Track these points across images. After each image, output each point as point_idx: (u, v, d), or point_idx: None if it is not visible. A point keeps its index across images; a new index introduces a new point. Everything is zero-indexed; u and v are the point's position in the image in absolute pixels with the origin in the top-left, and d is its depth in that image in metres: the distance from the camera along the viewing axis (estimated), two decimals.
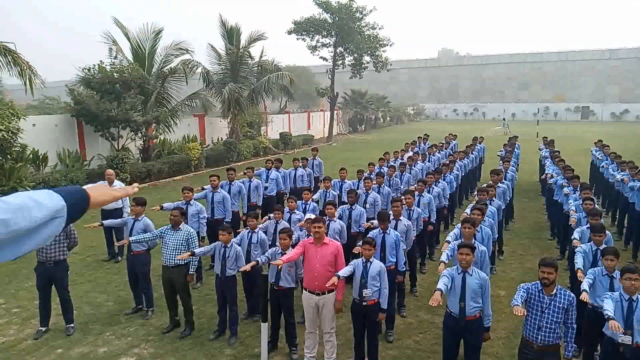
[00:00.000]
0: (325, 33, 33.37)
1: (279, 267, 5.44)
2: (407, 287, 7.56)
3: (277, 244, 6.08)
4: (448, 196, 10.27)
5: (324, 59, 34.98)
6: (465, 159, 13.76)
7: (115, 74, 16.74)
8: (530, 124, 40.95)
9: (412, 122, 59.95)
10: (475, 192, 9.84)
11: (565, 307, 4.26)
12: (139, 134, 17.41)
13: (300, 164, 11.95)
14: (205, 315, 6.96)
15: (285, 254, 5.58)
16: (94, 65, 16.82)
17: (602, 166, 12.55)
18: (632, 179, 9.57)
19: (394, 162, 12.50)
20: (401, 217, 6.96)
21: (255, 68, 24.54)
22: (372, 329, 5.40)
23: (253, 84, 23.74)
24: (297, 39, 34.09)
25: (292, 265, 5.70)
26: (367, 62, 35.07)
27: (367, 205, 8.81)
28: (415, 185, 9.08)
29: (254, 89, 23.43)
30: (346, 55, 34.59)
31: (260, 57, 24.75)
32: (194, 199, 8.14)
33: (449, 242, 5.88)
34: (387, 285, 5.38)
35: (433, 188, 9.44)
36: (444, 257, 5.58)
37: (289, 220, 7.57)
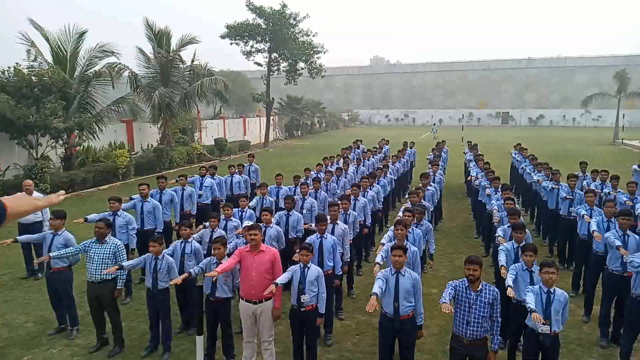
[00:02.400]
0: (260, 38, 33.25)
1: (214, 278, 5.28)
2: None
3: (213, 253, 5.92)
4: (382, 199, 10.56)
5: (259, 64, 34.83)
6: (397, 163, 14.24)
7: (33, 78, 15.56)
8: (456, 129, 43.28)
9: (347, 128, 61.18)
10: (407, 195, 10.19)
11: (491, 302, 4.51)
12: (60, 142, 16.26)
13: (236, 171, 11.75)
14: (136, 331, 6.61)
15: (221, 263, 5.44)
16: (9, 67, 15.54)
17: (522, 168, 13.52)
18: (547, 180, 10.38)
19: (331, 167, 12.66)
20: (338, 222, 7.05)
21: (187, 72, 23.86)
22: (311, 335, 5.40)
23: (185, 89, 23.07)
24: (231, 43, 33.68)
25: (228, 275, 5.57)
26: (302, 69, 35.37)
27: (304, 211, 8.83)
28: (351, 190, 9.24)
29: (186, 94, 22.78)
30: (281, 61, 34.67)
31: (192, 61, 24.15)
32: (122, 210, 7.73)
33: (383, 244, 6.03)
34: (325, 289, 5.41)
35: (368, 192, 9.66)
36: (378, 259, 5.72)
37: (225, 228, 7.40)
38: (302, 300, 5.22)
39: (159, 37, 22.32)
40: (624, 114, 39.10)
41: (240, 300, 5.41)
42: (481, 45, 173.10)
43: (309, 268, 5.30)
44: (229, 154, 27.70)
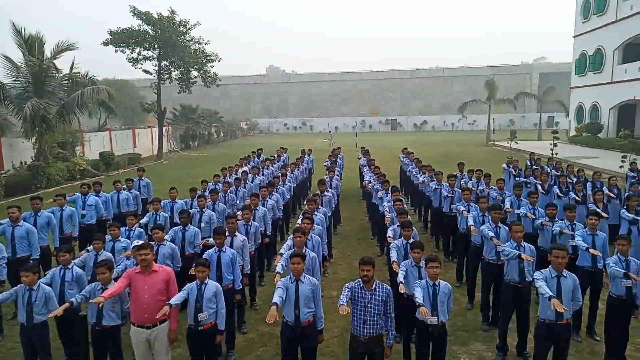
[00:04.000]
0: (148, 45, 31.62)
1: (100, 305, 4.85)
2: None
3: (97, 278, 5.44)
4: (282, 207, 10.61)
5: (148, 72, 33.08)
6: (296, 170, 14.44)
7: None
8: (350, 136, 45.18)
9: (246, 137, 60.64)
10: (305, 202, 10.36)
11: (384, 299, 4.75)
12: None
13: (124, 186, 10.98)
14: None
15: (107, 288, 5.02)
16: None
17: (409, 170, 14.52)
18: (431, 180, 11.25)
19: (230, 178, 12.43)
20: (236, 233, 6.92)
21: (66, 81, 21.84)
22: (211, 354, 5.21)
23: (63, 99, 21.08)
24: (116, 50, 31.58)
25: (116, 300, 5.14)
26: (196, 77, 34.35)
27: (203, 224, 8.54)
28: (250, 200, 9.15)
29: (64, 105, 20.82)
30: (172, 69, 33.33)
31: (71, 69, 22.16)
32: None
33: (281, 254, 6.06)
34: (225, 305, 5.26)
35: (267, 201, 9.64)
36: (279, 268, 5.72)
37: (112, 250, 6.86)
38: (199, 319, 5.02)
39: (30, 44, 20.12)
40: (494, 119, 44.05)
41: (132, 326, 5.04)
42: (371, 55, 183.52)
43: (206, 284, 5.11)
44: (116, 168, 25.81)
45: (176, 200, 9.73)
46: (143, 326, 4.96)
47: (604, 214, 8.40)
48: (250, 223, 7.78)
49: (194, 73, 33.93)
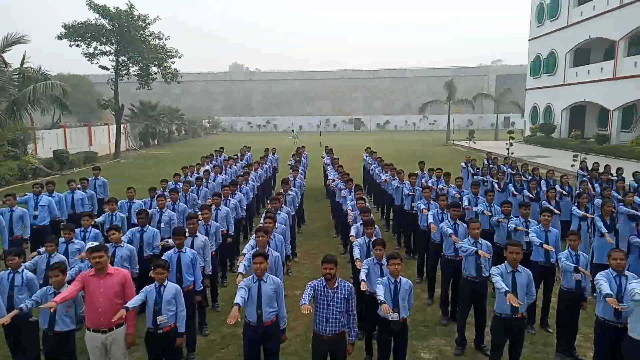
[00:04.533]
0: (105, 40, 30.51)
1: (52, 309, 4.64)
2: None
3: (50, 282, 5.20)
4: (245, 207, 10.50)
5: (105, 67, 31.94)
6: (259, 169, 14.33)
7: None
8: (315, 135, 45.29)
9: (208, 135, 59.63)
10: (268, 201, 10.30)
11: (346, 297, 4.78)
12: None
13: (79, 186, 10.56)
14: None
15: (60, 292, 4.81)
16: None
17: (372, 169, 14.69)
18: (393, 179, 11.43)
19: (191, 177, 12.19)
20: (197, 234, 6.78)
21: (16, 76, 20.77)
22: (171, 357, 5.09)
23: (14, 95, 20.03)
24: (71, 45, 30.33)
25: (70, 304, 4.92)
26: (155, 73, 33.46)
27: (162, 225, 8.33)
28: (212, 199, 9.00)
29: (14, 101, 19.81)
30: (130, 64, 32.30)
31: (22, 63, 21.10)
32: None
33: (244, 254, 5.99)
34: (185, 307, 5.15)
35: (230, 200, 9.51)
36: (241, 269, 5.66)
37: (66, 252, 6.58)
38: (158, 322, 4.89)
39: None
40: (453, 119, 45.24)
41: (87, 331, 4.85)
42: (336, 55, 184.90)
43: (165, 286, 4.99)
44: (71, 167, 24.79)
45: (134, 200, 9.45)
46: (98, 331, 4.78)
47: (556, 211, 8.81)
48: (210, 223, 7.65)
49: (154, 69, 33.04)
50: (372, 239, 6.22)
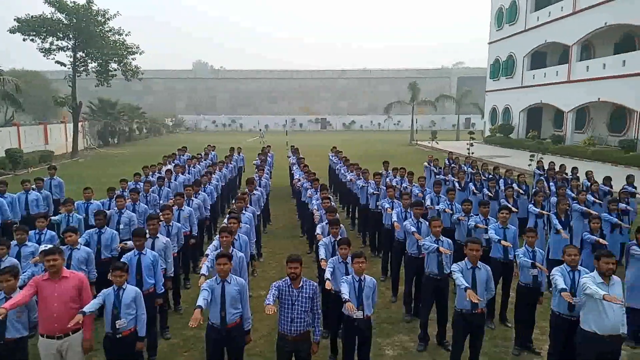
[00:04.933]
0: (62, 35, 29.29)
1: (1, 316, 4.40)
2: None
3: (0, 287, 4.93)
4: (209, 207, 10.33)
5: (62, 63, 30.66)
6: (224, 168, 14.13)
7: None
8: (281, 134, 45.09)
9: (171, 134, 58.36)
10: (233, 201, 10.18)
11: (311, 296, 4.78)
12: None
13: (33, 186, 10.09)
14: None
15: (11, 298, 4.57)
16: None
17: (338, 168, 14.77)
18: (358, 178, 11.51)
19: (152, 177, 11.89)
20: (158, 235, 6.61)
21: None
22: None
23: None
24: (25, 39, 28.94)
25: (22, 309, 4.69)
26: (115, 70, 32.41)
27: (121, 226, 8.08)
28: (174, 199, 8.80)
29: None
30: (89, 60, 31.16)
31: None
32: None
33: (207, 255, 5.89)
34: (145, 310, 5.00)
35: (193, 200, 9.33)
36: (204, 270, 5.57)
37: (18, 256, 6.27)
38: (117, 326, 4.73)
39: None
40: (417, 119, 46.15)
41: (40, 337, 4.63)
42: (302, 55, 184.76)
43: (124, 290, 4.83)
44: (25, 166, 23.68)
45: (92, 201, 9.12)
46: (53, 337, 4.58)
47: (514, 209, 9.10)
48: (171, 224, 7.48)
49: (113, 65, 31.98)
50: (337, 239, 6.23)
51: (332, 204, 8.33)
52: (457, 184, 11.60)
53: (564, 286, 4.97)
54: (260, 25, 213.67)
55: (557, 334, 5.35)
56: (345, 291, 4.91)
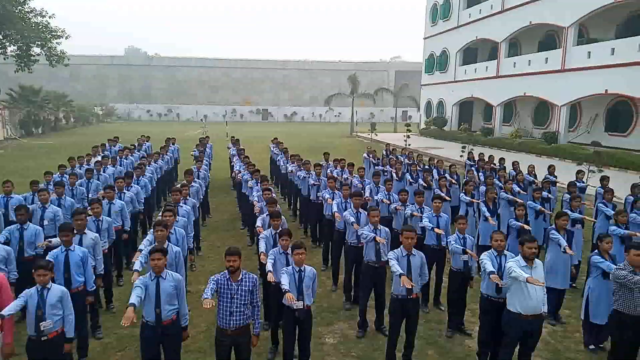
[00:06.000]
0: None
1: None
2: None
3: None
4: (143, 200, 9.91)
5: None
6: (159, 160, 13.60)
7: None
8: (221, 125, 44.09)
9: (102, 124, 55.26)
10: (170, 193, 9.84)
11: (251, 289, 4.72)
12: None
13: None
14: None
15: None
16: None
17: (279, 160, 14.68)
18: (299, 169, 11.52)
19: (79, 169, 11.20)
20: (86, 231, 6.24)
21: None
22: None
23: None
24: None
25: None
26: (38, 55, 30.08)
27: (46, 222, 7.54)
28: (104, 192, 8.34)
29: None
30: (7, 43, 28.67)
31: None
32: None
33: (141, 250, 5.64)
34: (73, 310, 4.72)
35: (124, 193, 8.90)
36: (136, 266, 5.36)
37: None
38: (42, 328, 4.43)
39: None
40: (356, 111, 46.91)
41: None
42: (242, 44, 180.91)
43: (49, 289, 4.52)
44: None
45: (12, 195, 8.42)
46: None
47: (446, 198, 9.53)
48: (101, 218, 7.10)
49: (36, 50, 29.66)
50: (278, 230, 6.20)
51: (273, 195, 8.28)
52: (394, 175, 11.94)
53: (492, 269, 5.29)
54: (205, 11, 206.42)
55: (485, 316, 5.68)
56: (285, 282, 4.92)
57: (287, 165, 13.00)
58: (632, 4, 22.37)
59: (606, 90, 22.38)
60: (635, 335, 5.20)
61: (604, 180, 10.04)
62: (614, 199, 9.10)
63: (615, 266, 5.44)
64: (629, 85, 21.09)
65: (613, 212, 8.07)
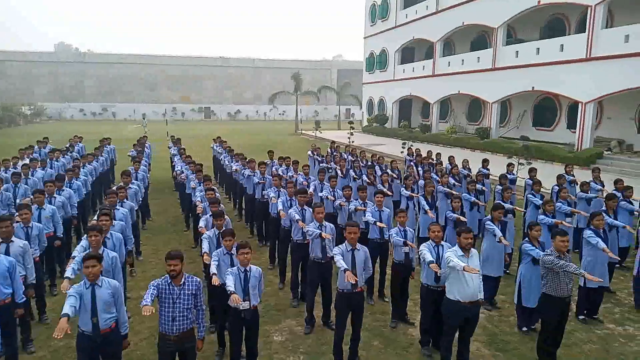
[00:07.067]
0: None
1: None
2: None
3: None
4: (76, 204, 9.39)
5: None
6: (94, 162, 12.94)
7: None
8: (161, 124, 42.58)
9: (30, 124, 51.58)
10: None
11: (194, 292, 4.61)
12: None
13: None
14: None
15: None
16: None
17: (222, 159, 14.43)
18: (244, 168, 11.38)
19: (5, 173, 10.43)
20: (13, 239, 5.82)
21: None
22: None
23: None
24: None
25: None
26: None
27: None
28: (33, 197, 7.81)
29: None
30: None
31: None
32: None
33: (74, 257, 5.35)
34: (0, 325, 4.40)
35: (55, 197, 8.39)
36: (68, 273, 5.10)
37: None
38: None
39: None
40: (301, 109, 47.01)
41: None
42: (180, 40, 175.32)
43: None
44: None
45: None
46: None
47: (388, 192, 9.80)
48: (30, 225, 6.65)
49: None
50: (222, 230, 6.11)
51: (217, 195, 8.13)
52: (338, 172, 12.10)
53: (432, 258, 5.52)
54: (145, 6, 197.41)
55: (426, 305, 5.92)
56: (230, 283, 4.85)
57: (232, 164, 12.80)
58: (553, 7, 24.09)
59: (533, 88, 23.91)
60: (561, 314, 5.64)
61: (532, 172, 10.76)
62: (542, 189, 9.77)
63: (543, 253, 5.85)
64: (553, 83, 22.69)
65: (541, 202, 8.64)
